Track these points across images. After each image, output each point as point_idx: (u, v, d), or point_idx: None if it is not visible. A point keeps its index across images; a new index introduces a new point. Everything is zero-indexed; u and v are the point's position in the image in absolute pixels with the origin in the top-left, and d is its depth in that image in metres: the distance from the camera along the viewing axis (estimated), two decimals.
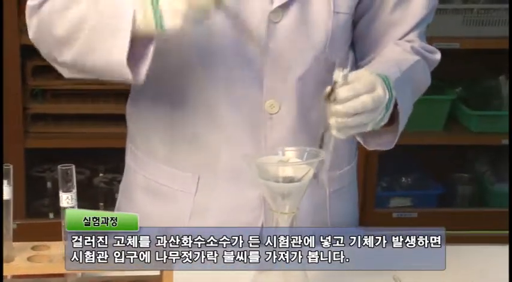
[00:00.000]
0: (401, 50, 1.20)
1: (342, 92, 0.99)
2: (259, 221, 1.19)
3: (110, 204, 1.36)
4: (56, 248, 0.94)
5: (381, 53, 1.21)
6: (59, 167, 0.91)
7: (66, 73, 1.14)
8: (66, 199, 0.91)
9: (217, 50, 1.12)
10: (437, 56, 1.25)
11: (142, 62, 1.03)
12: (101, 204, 2.54)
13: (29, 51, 2.08)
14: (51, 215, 2.48)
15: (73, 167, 0.91)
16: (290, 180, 0.94)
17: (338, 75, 1.00)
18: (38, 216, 2.45)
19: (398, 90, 1.07)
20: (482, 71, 2.73)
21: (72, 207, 0.92)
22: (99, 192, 2.55)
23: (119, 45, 1.01)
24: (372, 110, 1.01)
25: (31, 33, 1.14)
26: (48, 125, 2.47)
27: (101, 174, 2.62)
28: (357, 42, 1.24)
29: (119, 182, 1.36)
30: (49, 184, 2.53)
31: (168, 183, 1.22)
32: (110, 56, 1.03)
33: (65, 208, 0.91)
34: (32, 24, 1.13)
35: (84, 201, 2.51)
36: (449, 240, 1.51)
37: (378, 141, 1.13)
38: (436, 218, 2.60)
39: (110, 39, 1.02)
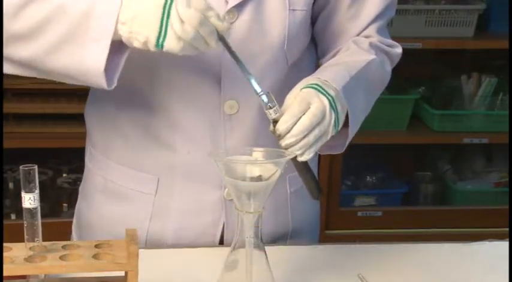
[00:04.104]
0: (356, 49, 1.18)
1: (281, 127, 1.00)
2: (220, 222, 1.19)
3: (74, 205, 1.35)
4: (18, 250, 0.93)
5: (337, 53, 1.20)
6: (21, 167, 0.89)
7: (8, 68, 1.06)
8: (29, 200, 0.90)
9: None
10: (398, 49, 1.25)
11: (115, 69, 1.00)
12: (65, 205, 2.52)
13: None
14: (13, 216, 2.44)
15: (36, 167, 0.90)
16: (257, 180, 0.94)
17: (269, 113, 1.01)
18: None
19: (347, 94, 1.07)
20: (444, 71, 2.77)
21: (35, 208, 0.90)
22: (63, 193, 2.53)
23: (95, 54, 0.97)
24: (318, 122, 1.02)
25: None
26: (10, 125, 2.44)
27: (64, 175, 2.60)
28: (317, 39, 1.24)
29: None
30: (11, 185, 2.49)
31: (127, 185, 1.20)
32: (82, 62, 0.98)
33: (27, 209, 0.90)
34: None
35: (48, 202, 2.49)
36: (415, 238, 1.53)
37: (329, 144, 1.10)
38: (401, 217, 2.63)
39: (83, 45, 0.98)
